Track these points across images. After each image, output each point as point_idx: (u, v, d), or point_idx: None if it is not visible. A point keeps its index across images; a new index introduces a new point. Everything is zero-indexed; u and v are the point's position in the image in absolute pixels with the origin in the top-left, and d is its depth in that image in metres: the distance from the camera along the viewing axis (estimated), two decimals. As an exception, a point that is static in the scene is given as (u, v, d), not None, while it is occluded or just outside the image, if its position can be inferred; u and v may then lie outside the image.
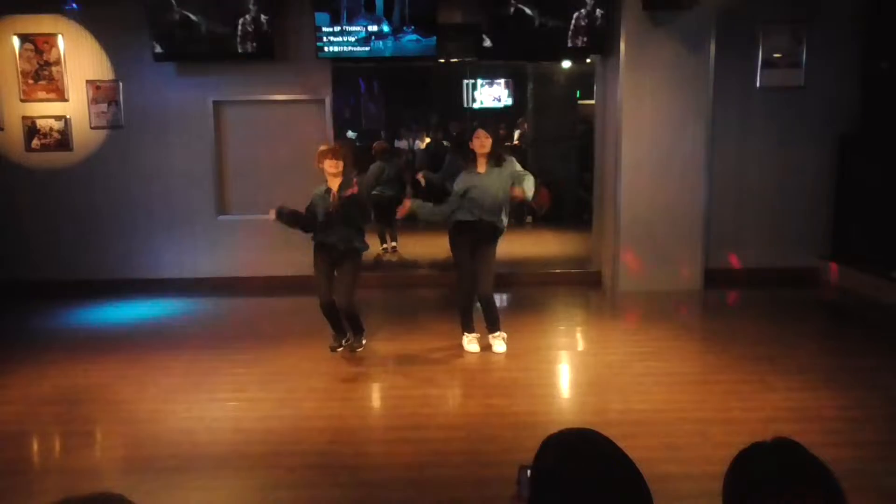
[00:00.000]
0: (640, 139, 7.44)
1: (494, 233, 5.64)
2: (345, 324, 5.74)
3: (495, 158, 5.56)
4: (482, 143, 5.51)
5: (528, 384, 5.13)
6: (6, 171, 7.89)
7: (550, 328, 6.69)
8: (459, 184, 5.63)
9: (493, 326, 5.81)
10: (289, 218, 5.58)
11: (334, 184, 5.47)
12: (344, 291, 5.57)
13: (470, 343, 5.82)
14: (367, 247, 5.73)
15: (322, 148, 5.57)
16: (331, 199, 5.43)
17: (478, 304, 5.82)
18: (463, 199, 5.56)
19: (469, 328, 5.86)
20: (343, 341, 5.75)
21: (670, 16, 7.21)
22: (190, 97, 7.86)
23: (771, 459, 1.37)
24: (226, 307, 7.58)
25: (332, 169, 5.45)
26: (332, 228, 5.49)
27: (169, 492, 3.71)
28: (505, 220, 5.67)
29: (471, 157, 5.63)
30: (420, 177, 7.49)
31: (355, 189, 5.42)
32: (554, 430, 1.43)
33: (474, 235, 5.61)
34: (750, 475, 1.37)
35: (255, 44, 7.51)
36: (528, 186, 5.45)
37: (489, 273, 5.66)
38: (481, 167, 5.56)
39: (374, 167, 9.63)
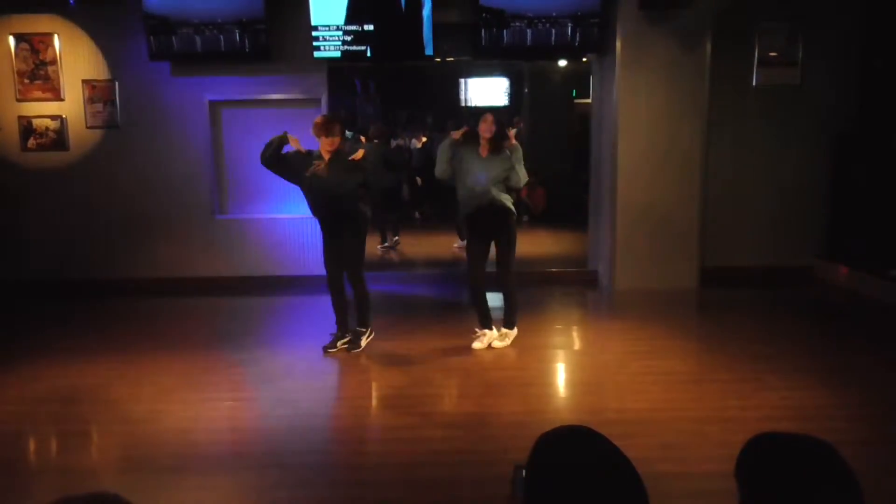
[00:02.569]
0: (637, 138, 7.44)
1: (504, 216, 5.60)
2: (347, 317, 5.75)
3: (497, 146, 5.58)
4: (489, 127, 5.53)
5: (524, 383, 5.13)
6: (2, 170, 7.87)
7: (547, 327, 6.68)
8: (457, 148, 5.61)
9: (507, 321, 5.90)
10: (276, 148, 5.53)
11: (327, 156, 5.50)
12: (349, 264, 5.63)
13: (475, 340, 5.83)
14: (366, 211, 5.69)
15: (317, 121, 5.53)
16: (321, 165, 5.43)
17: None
18: (456, 168, 5.58)
19: (480, 323, 5.87)
20: (339, 343, 5.75)
21: (666, 14, 7.22)
22: (186, 97, 7.84)
23: (793, 452, 1.38)
24: (222, 307, 7.57)
25: (329, 146, 5.46)
26: (320, 195, 5.48)
27: (165, 492, 3.70)
28: (507, 197, 5.61)
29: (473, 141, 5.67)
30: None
31: (358, 155, 5.45)
32: (550, 429, 1.42)
33: (486, 227, 5.65)
34: (772, 465, 1.37)
35: (251, 44, 7.50)
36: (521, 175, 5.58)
37: (507, 265, 5.74)
38: (483, 151, 5.58)
39: (369, 147, 9.61)
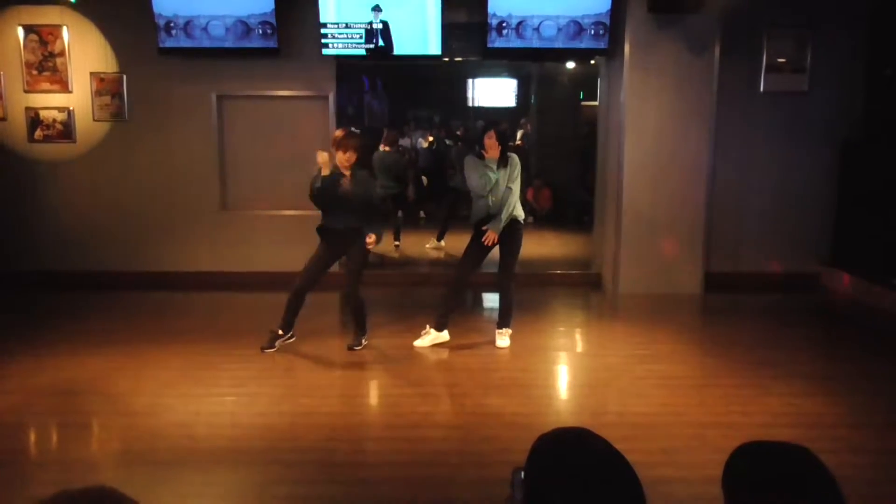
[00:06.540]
0: (643, 141, 7.43)
1: (514, 226, 5.67)
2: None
3: (503, 158, 5.61)
4: (493, 143, 5.58)
5: (526, 385, 5.13)
6: (9, 161, 7.89)
7: (550, 329, 6.68)
8: (475, 171, 5.63)
9: (501, 321, 5.90)
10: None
11: (346, 172, 5.51)
12: (348, 277, 5.65)
13: (420, 338, 5.84)
14: (379, 230, 5.64)
15: (337, 134, 5.55)
16: (341, 184, 5.43)
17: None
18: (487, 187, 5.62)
19: (437, 322, 5.86)
20: (277, 342, 5.71)
21: (675, 18, 7.20)
22: (193, 91, 7.85)
23: (775, 461, 1.36)
24: (226, 302, 7.58)
25: (345, 163, 5.47)
26: (338, 213, 5.51)
27: (166, 486, 3.70)
28: (520, 211, 5.72)
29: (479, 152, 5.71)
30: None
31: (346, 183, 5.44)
32: (550, 430, 1.41)
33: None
34: (753, 474, 1.36)
35: (260, 39, 7.51)
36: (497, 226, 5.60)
37: (509, 268, 5.78)
38: (494, 164, 5.61)
39: (378, 154, 9.60)
